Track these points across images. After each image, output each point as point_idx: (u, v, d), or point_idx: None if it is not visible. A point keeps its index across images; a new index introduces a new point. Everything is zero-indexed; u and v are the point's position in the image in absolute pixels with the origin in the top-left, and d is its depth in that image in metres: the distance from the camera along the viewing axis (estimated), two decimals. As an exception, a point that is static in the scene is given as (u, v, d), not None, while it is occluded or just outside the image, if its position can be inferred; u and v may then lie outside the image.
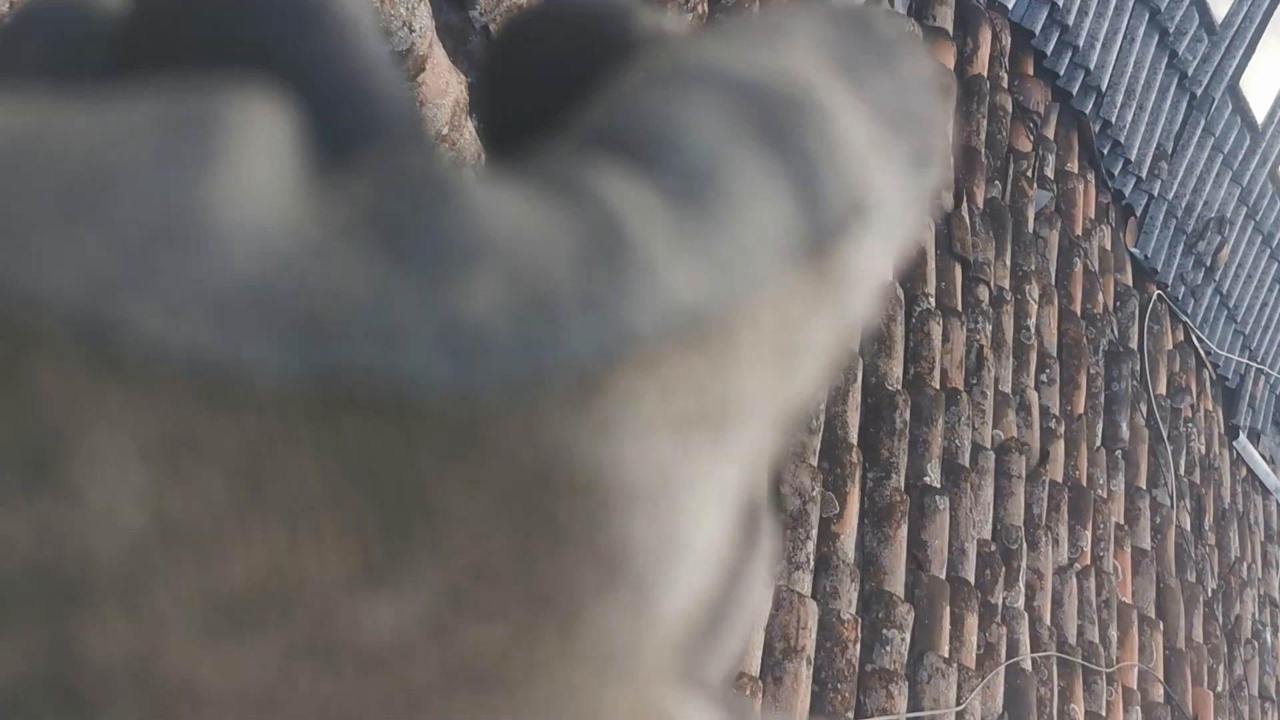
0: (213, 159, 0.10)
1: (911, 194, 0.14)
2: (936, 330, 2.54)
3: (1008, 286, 2.89)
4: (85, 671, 0.10)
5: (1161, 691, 3.19)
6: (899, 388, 2.40)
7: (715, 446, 0.12)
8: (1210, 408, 3.92)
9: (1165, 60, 3.53)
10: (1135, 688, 3.07)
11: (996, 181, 2.94)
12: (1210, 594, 3.62)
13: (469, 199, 0.10)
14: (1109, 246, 3.43)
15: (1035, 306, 2.97)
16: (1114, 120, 3.40)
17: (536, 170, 0.11)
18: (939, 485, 2.44)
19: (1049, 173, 3.18)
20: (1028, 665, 2.60)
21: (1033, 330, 2.94)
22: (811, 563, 2.08)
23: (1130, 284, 3.54)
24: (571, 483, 0.10)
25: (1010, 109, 3.07)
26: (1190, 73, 3.58)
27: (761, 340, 0.12)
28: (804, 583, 2.05)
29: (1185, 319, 3.79)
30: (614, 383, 0.11)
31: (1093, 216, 3.36)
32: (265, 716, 0.10)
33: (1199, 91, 3.63)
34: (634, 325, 0.11)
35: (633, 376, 0.11)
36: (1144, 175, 3.55)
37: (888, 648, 2.19)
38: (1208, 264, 3.82)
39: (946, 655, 2.32)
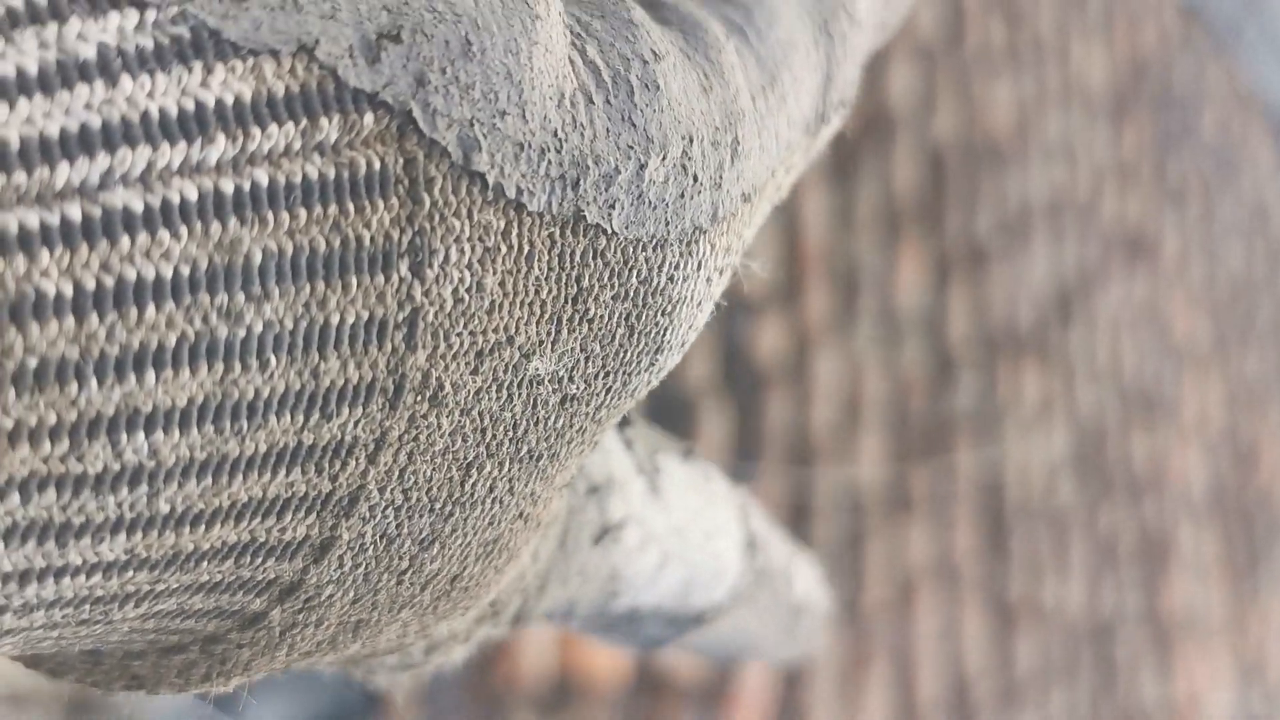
0: (535, 19, 0.14)
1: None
2: (980, 86, 2.53)
3: (1050, 36, 2.85)
4: (406, 378, 0.13)
5: (1220, 426, 3.25)
6: (947, 146, 2.41)
7: (728, 272, 0.17)
8: (1259, 146, 3.87)
9: None
10: (1195, 424, 3.13)
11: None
12: (1262, 328, 3.63)
13: (666, 88, 0.15)
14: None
15: (1078, 55, 2.93)
16: None
17: (691, 33, 0.16)
18: (993, 239, 2.47)
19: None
20: (1089, 409, 2.66)
21: (1076, 79, 2.91)
22: (871, 322, 2.14)
23: (1174, 27, 3.47)
24: (667, 301, 0.15)
25: None
26: None
27: (773, 189, 0.17)
28: (865, 341, 2.10)
29: (1230, 58, 3.71)
30: (708, 237, 0.16)
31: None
32: (462, 418, 0.14)
33: None
34: (731, 202, 0.16)
35: (714, 233, 0.16)
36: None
37: (952, 398, 2.25)
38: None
39: (1010, 402, 2.38)
